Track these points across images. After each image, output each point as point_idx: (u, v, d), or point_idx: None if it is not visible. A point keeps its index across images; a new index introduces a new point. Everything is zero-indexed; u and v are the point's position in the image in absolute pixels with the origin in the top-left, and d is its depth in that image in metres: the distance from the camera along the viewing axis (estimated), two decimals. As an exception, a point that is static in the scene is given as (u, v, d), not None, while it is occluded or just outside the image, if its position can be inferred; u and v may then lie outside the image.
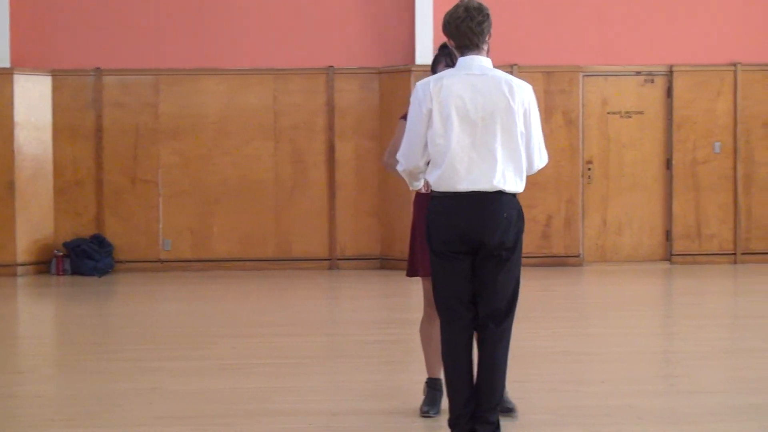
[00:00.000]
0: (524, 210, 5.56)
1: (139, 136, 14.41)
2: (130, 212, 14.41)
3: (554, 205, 14.31)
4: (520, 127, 5.36)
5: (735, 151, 14.59)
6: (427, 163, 5.48)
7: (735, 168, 14.60)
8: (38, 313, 11.67)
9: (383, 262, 14.46)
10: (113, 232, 14.35)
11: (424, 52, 14.04)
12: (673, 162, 14.57)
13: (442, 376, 5.73)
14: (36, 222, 14.20)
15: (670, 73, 14.57)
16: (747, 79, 14.58)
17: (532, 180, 6.12)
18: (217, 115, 14.44)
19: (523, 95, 5.38)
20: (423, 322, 6.41)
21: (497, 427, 5.43)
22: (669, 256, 14.64)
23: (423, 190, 6.10)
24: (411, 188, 5.90)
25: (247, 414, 6.40)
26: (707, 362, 8.00)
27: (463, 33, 5.42)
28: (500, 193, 5.32)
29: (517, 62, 14.06)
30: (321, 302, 12.20)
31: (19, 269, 13.98)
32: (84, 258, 13.93)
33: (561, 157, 14.17)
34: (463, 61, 5.45)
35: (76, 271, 13.98)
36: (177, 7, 14.45)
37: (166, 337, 9.28)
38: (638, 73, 14.62)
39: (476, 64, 5.42)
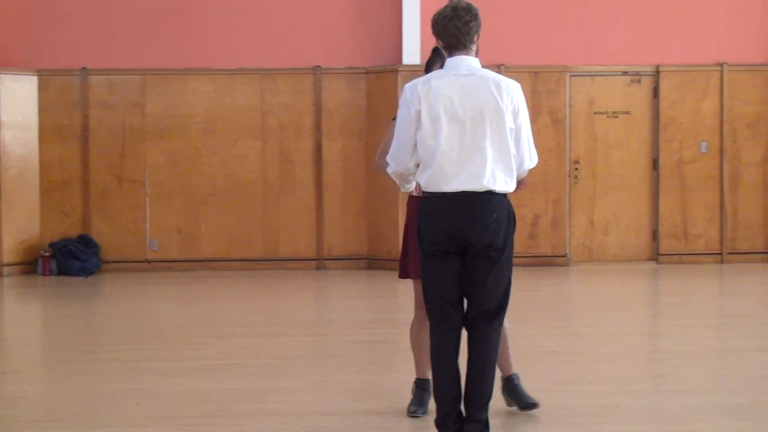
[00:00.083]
0: (512, 210, 5.56)
1: (126, 136, 14.38)
2: (117, 212, 14.38)
3: (541, 205, 14.33)
4: (510, 125, 5.35)
5: (721, 151, 14.63)
6: (417, 165, 5.48)
7: (721, 168, 14.64)
8: (24, 313, 11.63)
9: (370, 262, 14.46)
10: (100, 233, 14.32)
11: (412, 52, 14.05)
12: (660, 162, 14.60)
13: (430, 376, 5.73)
14: (22, 222, 14.16)
15: (656, 73, 14.60)
16: (733, 79, 14.61)
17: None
18: (204, 115, 14.42)
19: (512, 94, 5.37)
20: (413, 324, 6.41)
21: (486, 425, 5.43)
22: (656, 256, 14.67)
23: (414, 193, 6.09)
24: (402, 190, 5.90)
25: (234, 414, 6.39)
26: (694, 362, 8.02)
27: (451, 33, 5.42)
28: (490, 193, 5.32)
29: (504, 62, 14.07)
30: (308, 302, 12.19)
31: (5, 269, 13.94)
32: (70, 258, 13.90)
33: (548, 157, 14.18)
34: (451, 61, 5.46)
35: (63, 272, 13.95)
36: (164, 6, 14.42)
37: (153, 338, 9.26)
38: (625, 73, 14.65)
39: (464, 64, 5.42)
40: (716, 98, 14.60)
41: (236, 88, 14.43)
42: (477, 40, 5.49)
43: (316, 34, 14.50)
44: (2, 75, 13.93)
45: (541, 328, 9.61)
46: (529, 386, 6.45)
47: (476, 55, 5.51)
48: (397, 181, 5.72)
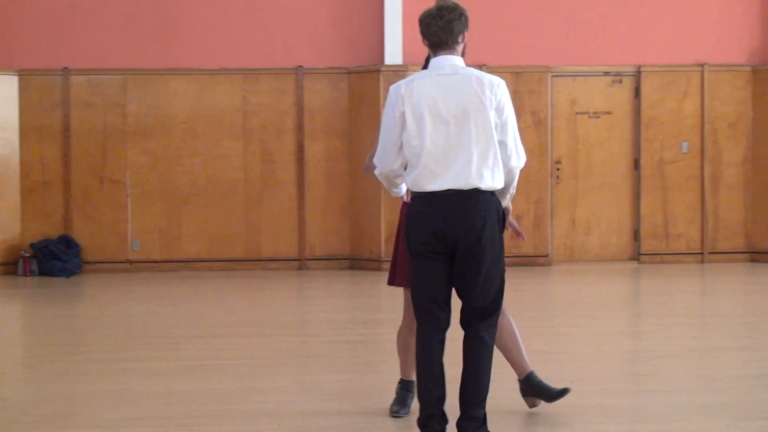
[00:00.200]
0: (493, 210, 5.55)
1: (108, 136, 14.34)
2: (98, 213, 14.33)
3: (523, 205, 14.34)
4: (495, 121, 5.34)
5: (702, 151, 14.69)
6: (405, 167, 5.48)
7: (702, 168, 14.70)
8: (5, 314, 11.57)
9: (353, 263, 14.45)
10: (81, 233, 14.27)
11: (394, 52, 14.05)
12: (641, 162, 14.64)
13: (415, 378, 5.73)
14: (2, 223, 14.09)
15: (638, 74, 14.64)
16: (714, 80, 14.67)
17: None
18: (185, 115, 14.39)
19: (495, 90, 5.36)
20: (402, 329, 6.38)
21: (483, 422, 5.45)
22: (637, 256, 14.72)
23: (405, 199, 6.06)
24: (391, 194, 5.89)
25: (216, 415, 6.38)
26: (675, 361, 8.04)
27: (433, 32, 5.43)
28: (477, 191, 5.32)
29: (485, 62, 14.08)
30: (290, 302, 12.18)
31: (-14, 270, 13.90)
32: (52, 259, 13.85)
33: (530, 157, 14.07)
34: (435, 61, 5.47)
35: (44, 272, 13.90)
36: (145, 6, 14.38)
37: (134, 338, 9.23)
38: (606, 73, 14.69)
39: (447, 63, 5.42)
40: (697, 98, 14.66)
41: (218, 88, 14.41)
42: (462, 40, 5.48)
43: (298, 34, 14.49)
44: (-18, 75, 13.90)
45: (522, 328, 9.52)
46: (510, 386, 6.46)
47: (463, 55, 5.51)
48: (385, 184, 5.71)
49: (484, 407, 5.46)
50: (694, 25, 14.75)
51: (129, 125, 14.34)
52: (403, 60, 14.03)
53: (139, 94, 14.33)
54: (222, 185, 14.42)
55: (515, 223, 5.92)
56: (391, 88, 5.49)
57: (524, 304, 11.31)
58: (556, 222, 14.61)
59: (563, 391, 6.31)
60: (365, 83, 14.19)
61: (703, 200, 14.70)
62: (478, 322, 5.43)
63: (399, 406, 6.30)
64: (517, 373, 6.38)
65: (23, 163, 14.25)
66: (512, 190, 5.54)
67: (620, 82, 14.69)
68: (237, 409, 6.51)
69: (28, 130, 14.24)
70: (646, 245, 14.68)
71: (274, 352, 8.59)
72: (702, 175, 14.69)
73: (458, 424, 5.47)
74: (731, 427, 5.99)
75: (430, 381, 5.42)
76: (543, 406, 6.39)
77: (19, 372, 8.11)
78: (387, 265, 13.86)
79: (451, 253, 5.37)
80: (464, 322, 5.48)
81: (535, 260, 14.42)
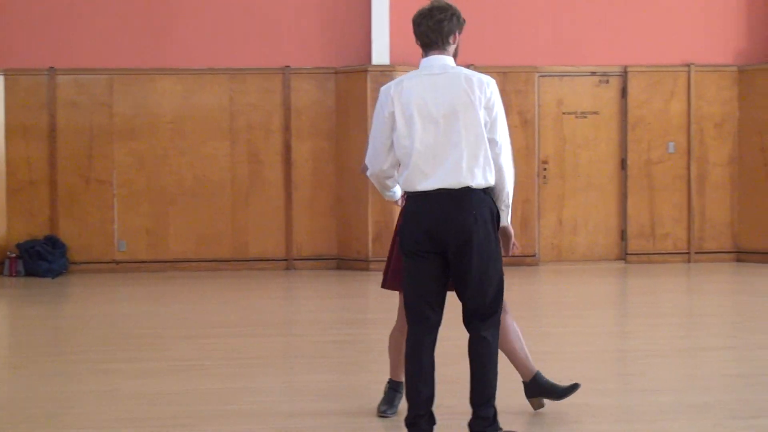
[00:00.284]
0: (480, 210, 5.54)
1: (94, 136, 14.30)
2: (84, 213, 14.30)
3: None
4: (485, 119, 5.34)
5: (689, 151, 14.73)
6: (396, 168, 5.49)
7: (689, 168, 14.73)
8: (-9, 314, 11.54)
9: (340, 263, 14.45)
10: (67, 233, 14.23)
11: (381, 52, 14.05)
12: (628, 162, 14.68)
13: (404, 379, 5.73)
14: (-11, 223, 14.07)
15: (624, 74, 14.68)
16: (700, 80, 14.71)
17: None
18: (172, 115, 14.36)
19: (485, 89, 5.36)
20: (394, 331, 6.37)
21: (493, 421, 5.46)
22: (624, 256, 14.75)
23: (399, 203, 6.04)
24: (384, 198, 5.89)
25: (204, 415, 6.37)
26: (662, 361, 8.05)
27: (423, 32, 5.44)
28: (468, 190, 5.32)
29: (473, 62, 14.09)
30: (278, 303, 12.17)
31: (-28, 271, 13.85)
32: (38, 259, 13.81)
33: (517, 158, 14.18)
34: (425, 61, 5.47)
35: (30, 273, 13.86)
36: (132, 6, 14.36)
37: (122, 339, 9.21)
38: (593, 73, 14.72)
39: (437, 63, 5.43)
40: (683, 99, 14.70)
41: (205, 88, 14.39)
42: (454, 41, 5.49)
43: (285, 34, 14.48)
44: (-32, 74, 13.85)
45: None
46: (502, 386, 6.45)
47: (455, 56, 5.51)
48: (377, 186, 5.71)
49: (492, 405, 5.47)
50: (681, 26, 14.79)
51: (115, 125, 14.31)
52: (391, 60, 14.02)
53: (125, 93, 14.30)
54: (209, 185, 14.40)
55: (514, 246, 5.88)
56: (382, 89, 5.52)
57: (512, 304, 11.22)
58: (543, 222, 14.63)
59: (572, 387, 6.31)
60: (352, 83, 14.19)
61: (689, 200, 14.74)
62: (478, 323, 5.43)
63: (387, 406, 6.30)
64: (522, 375, 6.36)
65: (9, 163, 14.21)
66: (507, 199, 5.46)
67: (607, 82, 14.72)
68: (224, 410, 6.50)
69: (14, 129, 14.20)
70: (633, 245, 14.71)
71: (262, 352, 8.58)
72: (689, 175, 14.73)
73: (469, 425, 5.50)
74: (718, 427, 6.00)
75: (419, 381, 5.42)
76: (528, 406, 6.39)
77: (5, 373, 8.07)
78: (374, 265, 13.94)
79: (444, 252, 5.36)
80: (466, 323, 5.48)
81: (523, 260, 14.44)
